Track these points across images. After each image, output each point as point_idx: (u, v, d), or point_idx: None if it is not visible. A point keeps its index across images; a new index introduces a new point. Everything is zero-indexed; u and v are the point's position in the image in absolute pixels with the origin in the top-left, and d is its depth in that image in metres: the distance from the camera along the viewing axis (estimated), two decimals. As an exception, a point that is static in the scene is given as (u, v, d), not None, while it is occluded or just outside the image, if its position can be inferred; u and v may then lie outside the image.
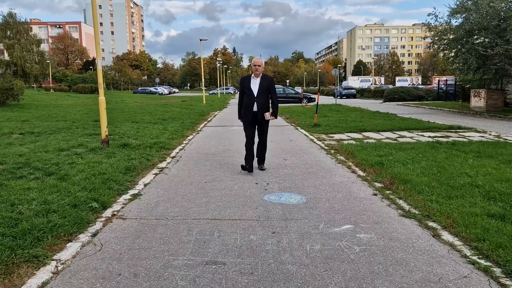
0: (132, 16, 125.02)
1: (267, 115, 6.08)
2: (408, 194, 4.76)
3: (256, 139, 6.32)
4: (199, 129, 13.12)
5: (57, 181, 5.30)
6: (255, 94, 5.98)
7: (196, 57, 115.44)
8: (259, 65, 6.07)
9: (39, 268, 2.95)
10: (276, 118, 6.27)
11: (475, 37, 19.03)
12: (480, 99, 20.83)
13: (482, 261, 3.03)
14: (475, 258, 3.09)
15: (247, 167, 6.18)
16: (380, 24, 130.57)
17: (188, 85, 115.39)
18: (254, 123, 6.17)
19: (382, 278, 2.81)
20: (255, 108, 6.01)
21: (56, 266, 3.00)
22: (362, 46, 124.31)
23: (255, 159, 6.42)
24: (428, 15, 24.10)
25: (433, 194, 4.67)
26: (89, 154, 7.47)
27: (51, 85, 61.55)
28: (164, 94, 62.25)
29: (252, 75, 6.11)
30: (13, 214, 3.87)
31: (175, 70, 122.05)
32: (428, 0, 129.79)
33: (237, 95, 10.34)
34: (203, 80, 36.98)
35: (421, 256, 3.17)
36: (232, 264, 3.05)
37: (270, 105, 6.21)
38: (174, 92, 73.35)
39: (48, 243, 3.34)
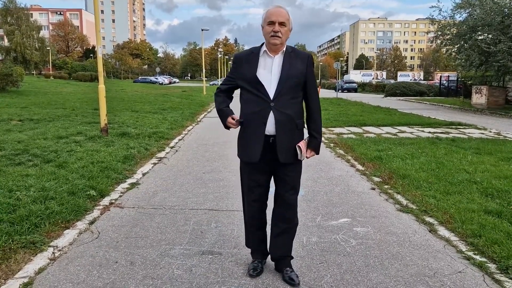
0: (133, 4, 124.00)
1: (302, 147, 2.57)
2: (406, 189, 4.77)
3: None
4: (199, 119, 13.10)
5: (56, 168, 5.30)
6: (272, 94, 2.48)
7: (197, 47, 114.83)
8: (281, 23, 2.45)
9: (36, 254, 2.97)
10: (318, 153, 2.71)
11: (479, 33, 18.93)
12: (482, 96, 20.79)
13: (477, 257, 3.04)
14: (470, 253, 3.11)
15: (261, 265, 2.82)
16: (383, 18, 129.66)
17: (189, 75, 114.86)
18: (267, 166, 2.64)
19: (377, 271, 2.83)
20: (270, 130, 2.52)
21: (53, 253, 3.01)
22: (364, 40, 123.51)
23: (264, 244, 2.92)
24: (431, 7, 23.94)
25: (431, 190, 4.68)
26: (88, 142, 7.46)
27: (51, 72, 61.26)
28: (165, 84, 61.95)
29: (264, 48, 2.54)
30: (11, 200, 3.88)
31: (176, 60, 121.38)
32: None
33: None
34: (204, 70, 36.91)
35: (417, 251, 3.18)
36: (228, 255, 3.06)
37: (305, 121, 2.67)
38: (175, 82, 73.01)
39: (46, 229, 3.35)
